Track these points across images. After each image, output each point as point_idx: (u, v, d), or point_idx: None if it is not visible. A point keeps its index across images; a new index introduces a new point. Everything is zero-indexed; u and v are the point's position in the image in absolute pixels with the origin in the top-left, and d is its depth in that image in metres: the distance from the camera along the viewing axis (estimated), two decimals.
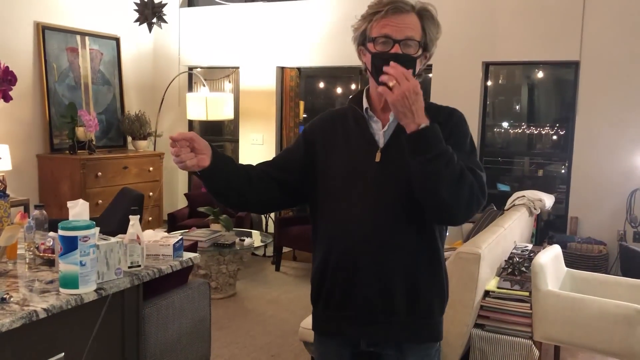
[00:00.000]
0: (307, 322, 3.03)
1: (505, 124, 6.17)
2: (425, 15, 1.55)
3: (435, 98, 1.71)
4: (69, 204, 2.20)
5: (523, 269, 3.29)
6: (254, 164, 1.73)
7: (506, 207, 4.29)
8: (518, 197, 4.31)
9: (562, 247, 3.61)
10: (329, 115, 1.75)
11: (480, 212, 4.87)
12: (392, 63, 1.44)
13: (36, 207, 2.55)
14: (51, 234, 2.39)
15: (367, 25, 1.56)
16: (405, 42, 1.52)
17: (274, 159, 1.77)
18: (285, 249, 5.58)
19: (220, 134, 7.34)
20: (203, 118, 5.92)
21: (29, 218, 2.44)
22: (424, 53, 1.57)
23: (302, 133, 1.75)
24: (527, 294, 3.05)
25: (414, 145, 1.45)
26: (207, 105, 5.83)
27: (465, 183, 1.45)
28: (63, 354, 1.93)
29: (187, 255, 2.56)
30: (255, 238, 4.91)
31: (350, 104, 1.70)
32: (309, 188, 1.69)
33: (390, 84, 1.41)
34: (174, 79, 6.38)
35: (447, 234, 1.75)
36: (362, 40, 1.59)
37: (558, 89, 6.01)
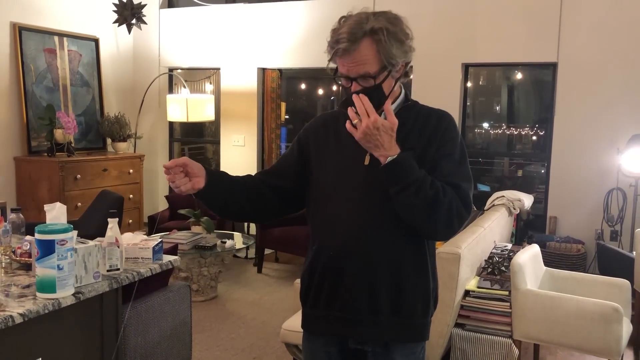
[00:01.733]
0: (289, 323, 3.03)
1: (485, 125, 6.23)
2: (377, 39, 1.53)
3: (416, 99, 1.72)
4: (46, 207, 2.17)
5: (503, 268, 3.32)
6: (250, 172, 1.78)
7: (486, 207, 4.33)
8: (497, 197, 4.35)
9: (541, 247, 3.65)
10: (321, 119, 1.80)
11: None
12: (354, 96, 1.51)
13: (13, 210, 2.51)
14: (28, 237, 2.35)
15: (332, 56, 1.59)
16: (360, 78, 1.56)
17: (270, 167, 1.83)
18: (267, 251, 5.56)
19: (201, 136, 7.31)
20: (184, 120, 5.89)
21: (5, 222, 2.40)
22: (392, 71, 1.57)
23: (297, 138, 1.80)
24: (506, 293, 3.08)
25: (388, 176, 1.52)
26: (187, 106, 5.80)
27: (440, 206, 1.50)
28: (40, 358, 1.91)
29: (167, 258, 2.55)
30: (237, 240, 4.89)
31: (339, 108, 1.71)
32: (305, 192, 1.73)
33: (354, 122, 1.50)
34: (154, 81, 6.33)
35: None
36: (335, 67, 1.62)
37: (537, 90, 6.09)
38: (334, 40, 1.55)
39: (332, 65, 1.61)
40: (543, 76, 5.66)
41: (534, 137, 5.90)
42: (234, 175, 1.74)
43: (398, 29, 1.56)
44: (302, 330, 1.79)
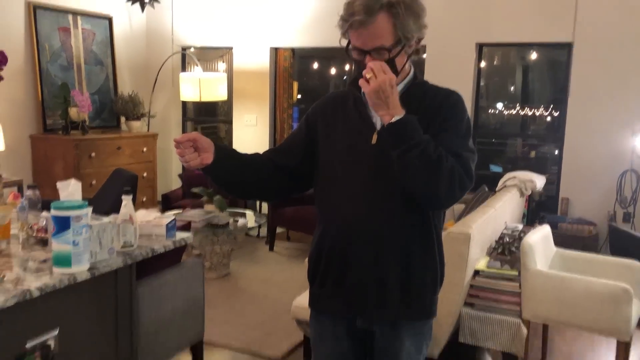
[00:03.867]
0: (300, 300, 3.07)
1: (499, 105, 6.18)
2: (394, 13, 1.52)
3: (429, 79, 1.72)
4: (59, 184, 2.21)
5: (513, 248, 3.33)
6: (261, 152, 1.78)
7: (497, 188, 4.32)
8: (509, 178, 4.33)
9: (552, 228, 3.64)
10: (330, 98, 1.79)
11: (472, 192, 4.90)
12: (370, 62, 1.50)
13: (29, 187, 2.56)
14: (44, 213, 2.40)
15: (345, 30, 1.57)
16: (375, 51, 1.54)
17: (278, 145, 1.83)
18: (279, 229, 5.61)
19: (214, 115, 7.32)
20: (196, 99, 5.91)
21: (22, 198, 2.45)
22: (405, 46, 1.57)
23: (305, 117, 1.80)
24: (516, 273, 3.09)
25: (387, 137, 1.51)
26: (200, 85, 5.81)
27: (443, 170, 1.48)
28: (58, 328, 1.96)
29: (180, 235, 2.59)
30: (249, 218, 4.94)
31: (349, 87, 1.72)
32: (313, 171, 1.73)
33: (368, 76, 1.48)
34: (167, 59, 6.34)
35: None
36: (347, 41, 1.61)
37: (552, 70, 6.01)
38: (348, 13, 1.53)
39: (344, 42, 1.60)
40: (558, 56, 5.58)
41: (548, 118, 5.84)
42: (244, 152, 1.75)
43: (415, 3, 1.56)
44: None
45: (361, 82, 1.50)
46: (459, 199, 1.56)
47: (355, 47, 1.56)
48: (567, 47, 5.04)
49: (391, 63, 1.54)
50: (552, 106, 5.73)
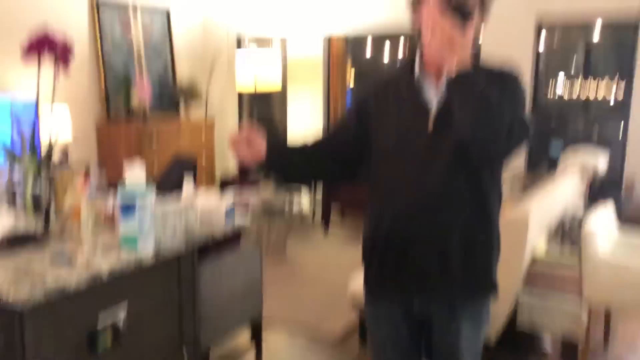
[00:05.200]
0: (356, 283, 3.10)
1: (561, 77, 5.93)
2: None
3: (487, 57, 1.70)
4: (127, 165, 2.29)
5: (574, 234, 3.24)
6: (312, 140, 1.79)
7: (558, 169, 4.20)
8: (571, 160, 4.21)
9: (616, 210, 3.52)
10: (381, 81, 1.77)
11: (531, 172, 4.78)
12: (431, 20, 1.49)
13: (96, 172, 2.67)
14: (111, 198, 2.51)
15: None
16: (458, 5, 1.50)
17: (329, 132, 1.84)
18: (333, 216, 5.65)
19: (269, 102, 7.41)
20: (251, 90, 6.00)
21: (90, 183, 2.57)
22: (482, 14, 1.56)
23: (354, 101, 1.79)
24: (576, 259, 3.01)
25: (450, 87, 1.50)
26: (255, 78, 5.89)
27: (504, 115, 1.46)
28: (125, 311, 2.06)
29: (239, 220, 2.66)
30: (305, 202, 5.00)
31: (401, 70, 1.71)
32: (365, 156, 1.72)
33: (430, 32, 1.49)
34: (223, 50, 6.45)
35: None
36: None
37: (618, 49, 5.74)
38: None
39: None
40: (623, 31, 5.32)
41: (612, 95, 5.58)
42: (295, 143, 1.77)
43: None
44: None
45: (424, 35, 1.51)
46: (513, 151, 1.55)
47: None
48: (632, 26, 4.80)
49: (470, 17, 1.52)
50: (617, 82, 5.47)
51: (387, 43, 7.05)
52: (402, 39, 6.20)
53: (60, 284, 1.81)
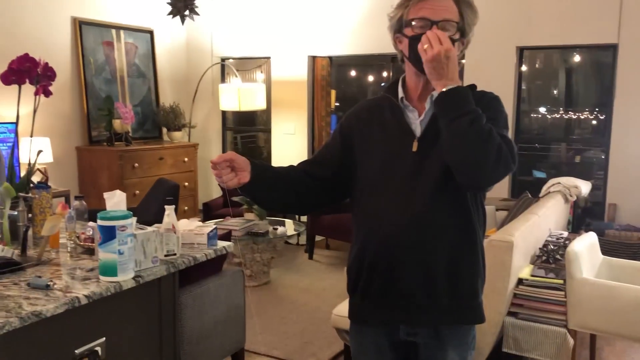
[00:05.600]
0: (340, 309, 3.06)
1: (542, 109, 6.05)
2: (462, 1, 1.56)
3: (469, 83, 1.70)
4: (106, 195, 2.27)
5: (558, 256, 3.25)
6: (296, 163, 1.78)
7: (541, 194, 4.23)
8: (553, 184, 4.24)
9: (599, 235, 3.54)
10: (365, 106, 1.77)
11: (515, 199, 4.81)
12: (434, 27, 1.51)
13: (76, 197, 2.63)
14: (91, 223, 2.47)
15: (404, 11, 1.57)
16: (442, 23, 1.52)
17: (313, 156, 1.82)
18: (318, 238, 5.62)
19: (253, 124, 7.41)
20: (236, 109, 6.00)
21: (70, 208, 2.52)
22: (461, 39, 1.58)
23: (339, 126, 1.78)
24: (561, 281, 3.01)
25: (439, 105, 1.50)
26: (239, 95, 5.90)
27: (492, 142, 1.45)
28: (104, 338, 2.01)
29: (221, 243, 2.62)
30: (289, 227, 4.96)
31: (385, 94, 1.71)
32: (349, 181, 1.71)
33: (425, 47, 1.48)
34: (206, 71, 6.46)
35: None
36: (399, 27, 1.60)
37: (597, 72, 5.86)
38: None
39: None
40: (602, 58, 5.44)
41: (593, 122, 5.69)
42: (279, 166, 1.75)
43: (474, 4, 1.60)
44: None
45: (420, 49, 1.50)
46: (501, 179, 1.51)
47: (422, 17, 1.53)
48: (611, 49, 4.91)
49: (452, 44, 1.53)
50: (596, 109, 5.58)
51: (371, 64, 7.12)
52: (385, 60, 6.25)
53: (37, 310, 1.75)
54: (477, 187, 1.58)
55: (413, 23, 1.55)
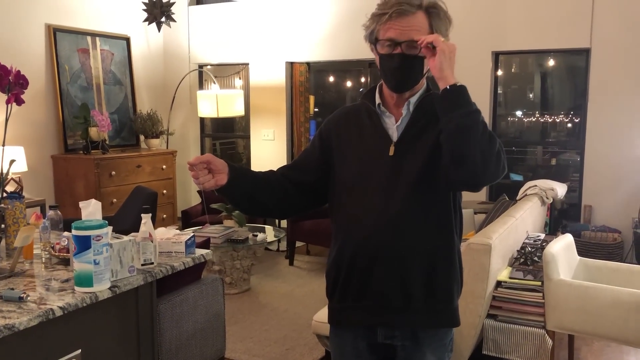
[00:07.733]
0: (321, 315, 3.06)
1: (518, 113, 6.13)
2: (432, 13, 1.56)
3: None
4: (81, 204, 2.24)
5: (535, 258, 3.29)
6: (275, 169, 1.78)
7: (518, 197, 4.28)
8: (530, 187, 4.29)
9: (576, 236, 3.59)
10: (343, 112, 1.79)
11: (492, 202, 4.85)
12: (399, 49, 1.53)
13: (51, 207, 2.59)
14: (66, 233, 2.43)
15: (375, 26, 1.58)
16: (408, 43, 1.54)
17: (293, 162, 1.83)
18: (298, 243, 5.61)
19: (231, 131, 7.38)
20: (214, 115, 5.96)
21: (44, 218, 2.48)
22: (434, 51, 1.58)
23: (318, 132, 1.79)
24: (539, 283, 3.05)
25: (453, 98, 1.49)
26: (217, 102, 5.87)
27: (496, 142, 1.48)
28: (80, 350, 1.97)
29: (200, 251, 2.60)
30: (269, 233, 4.94)
31: (362, 101, 1.73)
32: (329, 186, 1.72)
33: (430, 40, 1.49)
34: (184, 77, 6.42)
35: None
36: (372, 39, 1.61)
37: (571, 76, 5.96)
38: (388, 5, 1.54)
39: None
40: (576, 61, 5.54)
41: (569, 125, 5.78)
42: (258, 170, 1.75)
43: (447, 13, 1.60)
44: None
45: (425, 51, 1.51)
46: (497, 179, 1.52)
47: (389, 38, 1.55)
48: (584, 53, 5.00)
49: (420, 60, 1.55)
50: (571, 112, 5.67)
51: (349, 70, 7.14)
52: (363, 66, 6.28)
53: (10, 323, 1.72)
54: (475, 184, 1.55)
55: (381, 42, 1.57)
